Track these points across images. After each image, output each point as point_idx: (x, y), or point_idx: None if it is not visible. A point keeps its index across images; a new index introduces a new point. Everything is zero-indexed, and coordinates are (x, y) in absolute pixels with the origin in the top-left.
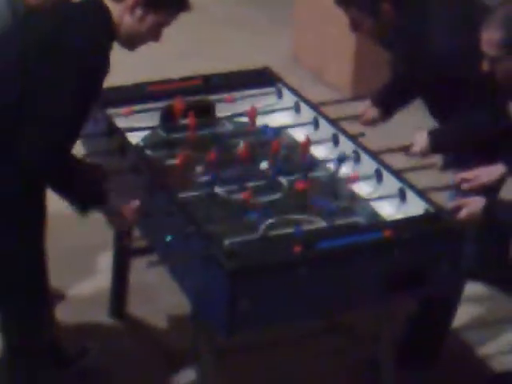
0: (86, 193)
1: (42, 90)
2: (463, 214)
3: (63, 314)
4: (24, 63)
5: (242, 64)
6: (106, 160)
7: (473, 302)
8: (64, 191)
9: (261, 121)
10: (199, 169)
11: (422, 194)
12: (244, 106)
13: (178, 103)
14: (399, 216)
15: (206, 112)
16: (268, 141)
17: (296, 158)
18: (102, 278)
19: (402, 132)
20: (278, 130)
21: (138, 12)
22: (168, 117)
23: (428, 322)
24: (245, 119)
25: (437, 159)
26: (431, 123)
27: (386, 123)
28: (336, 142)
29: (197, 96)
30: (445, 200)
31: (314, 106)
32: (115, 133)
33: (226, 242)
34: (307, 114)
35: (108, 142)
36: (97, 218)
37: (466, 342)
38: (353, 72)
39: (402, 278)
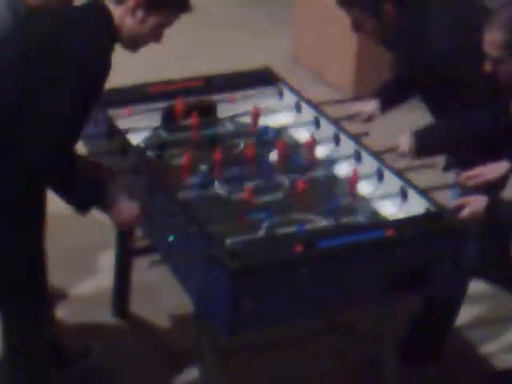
0: (86, 192)
1: (42, 91)
2: (465, 212)
3: (65, 313)
4: (24, 64)
5: (243, 65)
6: (107, 161)
7: (475, 300)
8: (63, 191)
9: (262, 121)
10: (202, 168)
11: (423, 193)
12: (245, 107)
13: (179, 104)
14: (400, 215)
15: (207, 112)
16: (270, 141)
17: (297, 158)
18: (104, 278)
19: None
20: (279, 131)
21: (140, 14)
22: (169, 117)
23: (431, 321)
24: (246, 119)
25: (438, 159)
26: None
27: (387, 123)
28: (337, 141)
29: (198, 97)
30: (447, 199)
31: (315, 106)
32: (116, 134)
33: (228, 241)
34: (308, 113)
35: (109, 142)
36: (99, 218)
37: (469, 340)
38: (354, 72)
39: (403, 277)
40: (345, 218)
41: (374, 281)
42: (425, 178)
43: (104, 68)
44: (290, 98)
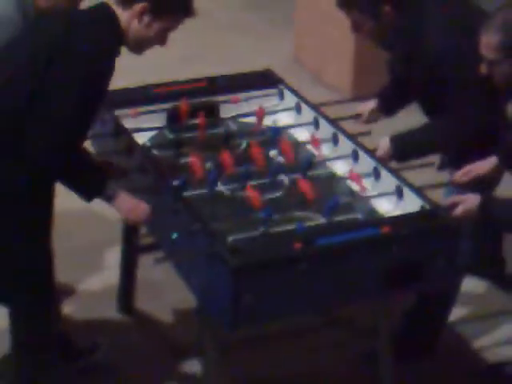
0: (88, 183)
1: (50, 92)
2: (459, 210)
3: (73, 308)
4: (34, 66)
5: (245, 67)
6: (114, 160)
7: (468, 296)
8: (68, 184)
9: (264, 121)
10: (208, 166)
11: (418, 191)
12: (247, 107)
13: (183, 105)
14: (396, 213)
15: (210, 113)
16: (274, 140)
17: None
18: (110, 275)
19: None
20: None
21: (146, 19)
22: (174, 118)
23: (425, 317)
24: (248, 119)
25: (434, 159)
26: None
27: (388, 124)
28: (336, 141)
29: (201, 98)
30: (440, 198)
31: (315, 107)
32: (122, 133)
33: (230, 239)
34: (308, 114)
35: (115, 142)
36: (105, 216)
37: (462, 335)
38: (352, 73)
39: (399, 273)
40: (343, 215)
41: (370, 277)
42: (420, 176)
43: (109, 69)
44: (290, 98)
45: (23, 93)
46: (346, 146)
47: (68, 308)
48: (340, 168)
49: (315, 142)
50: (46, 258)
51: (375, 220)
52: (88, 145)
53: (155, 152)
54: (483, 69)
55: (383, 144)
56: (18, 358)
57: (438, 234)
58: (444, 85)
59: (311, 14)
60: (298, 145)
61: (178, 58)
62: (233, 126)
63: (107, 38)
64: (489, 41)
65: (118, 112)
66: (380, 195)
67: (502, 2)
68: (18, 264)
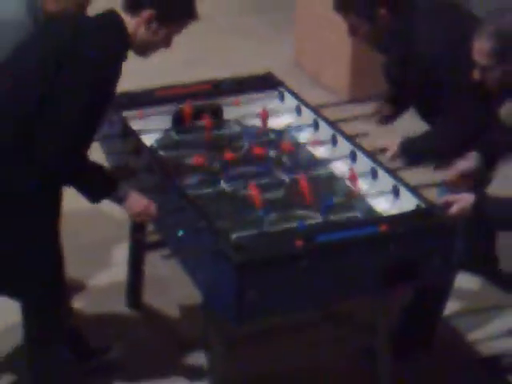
0: (98, 186)
1: (59, 96)
2: (454, 209)
3: (83, 304)
4: (43, 70)
5: (247, 70)
6: (122, 160)
7: (462, 291)
8: (76, 186)
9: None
10: (219, 163)
11: (414, 190)
12: (249, 109)
13: (187, 107)
14: (393, 211)
15: (214, 115)
16: (276, 141)
17: (298, 157)
18: (118, 271)
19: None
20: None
21: (153, 25)
22: (179, 120)
23: (421, 312)
24: (250, 121)
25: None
26: None
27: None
28: (334, 142)
29: (205, 100)
30: (435, 197)
31: (314, 109)
32: (130, 135)
33: (234, 236)
34: (308, 116)
35: (123, 143)
36: (113, 214)
37: (457, 328)
38: (349, 76)
39: (396, 270)
40: (342, 214)
41: (368, 273)
42: (416, 176)
43: (115, 75)
44: (290, 101)
45: (33, 97)
46: (344, 146)
47: (78, 303)
48: (339, 168)
49: (315, 143)
50: (56, 254)
51: (373, 218)
52: (96, 146)
53: (161, 153)
54: (476, 74)
55: (392, 146)
56: (30, 353)
57: (433, 232)
58: (439, 88)
59: (310, 18)
60: (298, 146)
61: (181, 62)
62: (236, 128)
63: (114, 43)
64: (481, 47)
65: (125, 114)
66: (377, 194)
67: (491, 6)
68: (29, 261)
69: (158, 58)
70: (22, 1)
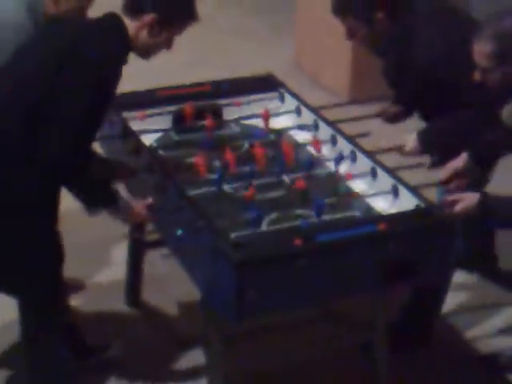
0: (98, 196)
1: (60, 97)
2: (459, 207)
3: (82, 302)
4: (44, 72)
5: (247, 71)
6: (123, 160)
7: (460, 289)
8: (77, 189)
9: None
10: (219, 163)
11: (413, 190)
12: (249, 110)
13: (188, 108)
14: (393, 211)
15: (214, 115)
16: (276, 141)
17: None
18: (118, 269)
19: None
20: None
21: (155, 28)
22: (179, 120)
23: (419, 309)
24: (250, 122)
25: (425, 159)
26: None
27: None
28: (334, 142)
29: (205, 101)
30: (434, 196)
31: (314, 110)
32: (130, 135)
33: (233, 235)
34: (308, 116)
35: (123, 143)
36: None
37: (455, 326)
38: (349, 77)
39: (395, 268)
40: (341, 213)
41: (367, 272)
42: (415, 176)
43: (115, 76)
44: (290, 102)
45: (33, 98)
46: (344, 146)
47: (78, 301)
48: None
49: (315, 143)
50: (54, 253)
51: (373, 217)
52: (97, 146)
53: (161, 153)
54: (477, 76)
55: (410, 139)
56: (27, 351)
57: (432, 232)
58: (437, 91)
59: (310, 20)
60: (298, 146)
61: (182, 63)
62: (236, 128)
63: (115, 46)
64: (481, 49)
65: (125, 114)
66: (377, 194)
67: (490, 9)
68: (27, 259)
69: (160, 59)
70: (22, 3)
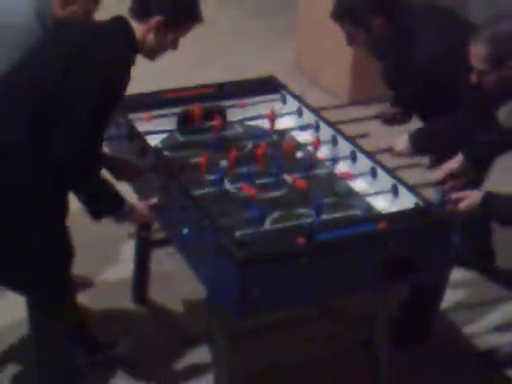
0: (103, 201)
1: (68, 99)
2: (463, 205)
3: (90, 299)
4: (52, 75)
5: (250, 73)
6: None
7: (459, 286)
8: (85, 192)
9: (266, 124)
10: (224, 163)
11: (412, 189)
12: (252, 112)
13: (196, 108)
14: (392, 209)
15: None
16: (278, 142)
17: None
18: (125, 268)
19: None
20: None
21: (161, 31)
22: (184, 121)
23: (418, 306)
24: (254, 123)
25: (424, 159)
26: None
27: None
28: (335, 143)
29: (209, 102)
30: (430, 195)
31: (315, 111)
32: (136, 136)
33: (237, 233)
34: (309, 117)
35: (129, 144)
36: None
37: (454, 322)
38: (349, 79)
39: (395, 266)
40: (342, 212)
41: (368, 269)
42: (414, 175)
43: (124, 78)
44: (292, 103)
45: (41, 101)
46: (344, 147)
47: (86, 299)
48: (339, 168)
49: (316, 143)
50: (63, 252)
51: (373, 216)
52: (103, 146)
53: (166, 153)
54: (473, 78)
55: (402, 141)
56: (37, 348)
57: (431, 230)
58: (436, 93)
59: (311, 22)
60: (299, 146)
61: (186, 64)
62: (239, 129)
63: (122, 49)
64: (477, 52)
65: (131, 116)
66: (377, 193)
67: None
68: (37, 257)
69: (165, 60)
70: (32, 8)
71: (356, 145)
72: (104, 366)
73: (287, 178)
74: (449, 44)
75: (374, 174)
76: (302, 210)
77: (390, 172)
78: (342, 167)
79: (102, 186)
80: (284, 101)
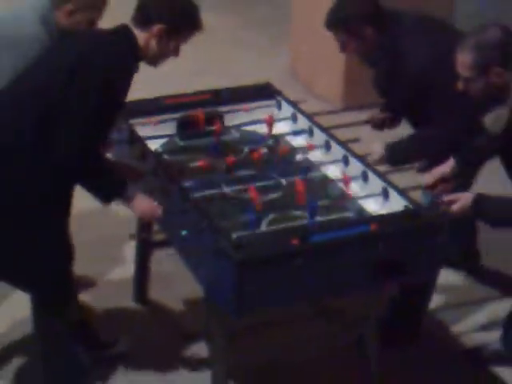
0: (109, 186)
1: (70, 100)
2: (455, 207)
3: (92, 299)
4: (58, 81)
5: (247, 80)
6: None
7: (447, 286)
8: (89, 185)
9: (262, 129)
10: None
11: (402, 192)
12: (249, 117)
13: (200, 113)
14: (383, 212)
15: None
16: (273, 146)
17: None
18: (126, 268)
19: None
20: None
21: (163, 38)
22: (183, 126)
23: (407, 306)
24: (249, 128)
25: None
26: None
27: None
28: (328, 147)
29: (208, 108)
30: (419, 198)
31: (309, 116)
32: (136, 141)
33: (234, 235)
34: (303, 123)
35: (130, 148)
36: (122, 214)
37: (442, 321)
38: (342, 85)
39: (385, 267)
40: (335, 214)
41: (359, 270)
42: (404, 179)
43: (125, 83)
44: (287, 109)
45: (46, 103)
46: (337, 151)
47: (88, 298)
48: (332, 171)
49: (310, 147)
50: (65, 251)
51: (365, 218)
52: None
53: (166, 157)
54: (460, 85)
55: (377, 150)
56: (40, 346)
57: (420, 232)
58: (425, 99)
59: (305, 30)
60: (294, 150)
61: (187, 72)
62: (236, 134)
63: (125, 56)
64: (463, 60)
65: (132, 121)
66: (368, 196)
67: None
68: (38, 256)
69: (166, 67)
70: (37, 17)
71: (348, 149)
72: (105, 363)
73: (282, 181)
74: (438, 52)
75: (365, 177)
76: (296, 213)
77: (381, 175)
78: (335, 170)
79: (104, 174)
80: (279, 107)
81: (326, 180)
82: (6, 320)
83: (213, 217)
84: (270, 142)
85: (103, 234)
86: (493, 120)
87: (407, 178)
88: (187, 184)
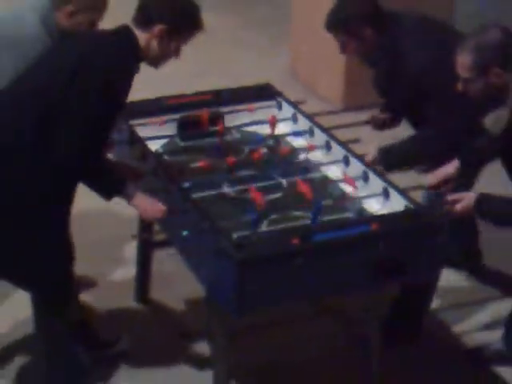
0: (108, 184)
1: (71, 101)
2: (459, 207)
3: (94, 299)
4: (59, 82)
5: (248, 80)
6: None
7: (449, 286)
8: (93, 185)
9: (262, 130)
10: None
11: (403, 192)
12: (250, 118)
13: (205, 114)
14: (383, 212)
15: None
16: (274, 147)
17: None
18: (127, 268)
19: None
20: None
21: (164, 39)
22: (184, 127)
23: (408, 306)
24: (250, 129)
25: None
26: None
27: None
28: (328, 148)
29: (208, 108)
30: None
31: (310, 117)
32: (137, 141)
33: (235, 235)
34: (303, 123)
35: (131, 149)
36: (123, 214)
37: (443, 321)
38: (343, 86)
39: (386, 266)
40: (336, 214)
41: (359, 270)
42: (404, 179)
43: (125, 83)
44: (287, 109)
45: (47, 104)
46: (337, 152)
47: (90, 298)
48: (333, 171)
49: (310, 148)
50: (66, 251)
51: (365, 218)
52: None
53: (166, 158)
54: (459, 86)
55: (373, 152)
56: (41, 346)
57: (421, 232)
58: (425, 100)
59: (305, 31)
60: (294, 151)
61: (188, 73)
62: (236, 135)
63: (126, 56)
64: (463, 61)
65: (132, 122)
66: (369, 196)
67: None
68: (39, 256)
69: (167, 68)
70: (38, 18)
71: (349, 149)
72: (106, 362)
73: (283, 181)
74: (438, 52)
75: (365, 177)
76: (297, 213)
77: (382, 176)
78: (335, 171)
79: (104, 173)
80: (280, 107)
81: (326, 180)
82: (8, 320)
83: (214, 217)
84: (271, 142)
85: (104, 234)
86: (493, 121)
87: (408, 177)
88: (188, 184)
